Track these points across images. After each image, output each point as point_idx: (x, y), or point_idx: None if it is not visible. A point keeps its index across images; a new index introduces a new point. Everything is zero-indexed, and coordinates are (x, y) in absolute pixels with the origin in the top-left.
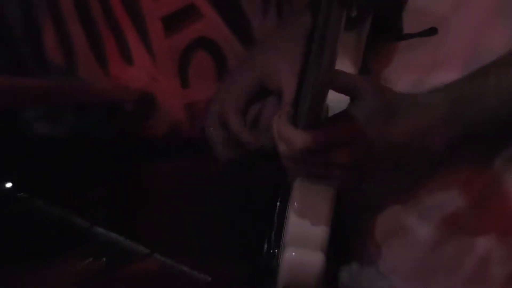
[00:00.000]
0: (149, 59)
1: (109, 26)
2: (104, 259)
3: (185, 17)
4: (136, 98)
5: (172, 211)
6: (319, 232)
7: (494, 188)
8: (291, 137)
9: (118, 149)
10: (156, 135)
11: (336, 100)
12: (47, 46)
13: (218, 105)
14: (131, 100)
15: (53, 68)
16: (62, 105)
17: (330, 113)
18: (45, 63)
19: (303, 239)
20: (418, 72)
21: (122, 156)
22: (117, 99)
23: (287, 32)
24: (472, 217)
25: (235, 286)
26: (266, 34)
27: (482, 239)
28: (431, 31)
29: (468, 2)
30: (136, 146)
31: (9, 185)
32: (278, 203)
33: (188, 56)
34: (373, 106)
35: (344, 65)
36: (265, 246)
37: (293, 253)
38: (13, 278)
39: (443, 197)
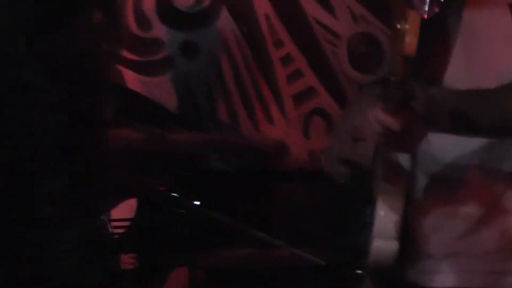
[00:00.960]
0: (284, 121)
1: (259, 100)
2: (253, 249)
3: (307, 95)
4: (275, 146)
5: (297, 217)
6: (395, 227)
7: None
8: (387, 120)
9: (264, 178)
10: (288, 169)
11: None
12: (219, 112)
13: (330, 148)
14: (272, 147)
15: (223, 126)
16: (230, 151)
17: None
18: (218, 123)
19: (385, 232)
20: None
21: (266, 182)
22: (263, 147)
23: (366, 99)
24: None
25: (341, 268)
26: (354, 100)
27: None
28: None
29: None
30: (276, 176)
31: (197, 203)
32: (367, 211)
33: (309, 119)
34: (421, 101)
35: None
36: (361, 239)
37: (379, 242)
38: (198, 257)
39: (470, 203)
